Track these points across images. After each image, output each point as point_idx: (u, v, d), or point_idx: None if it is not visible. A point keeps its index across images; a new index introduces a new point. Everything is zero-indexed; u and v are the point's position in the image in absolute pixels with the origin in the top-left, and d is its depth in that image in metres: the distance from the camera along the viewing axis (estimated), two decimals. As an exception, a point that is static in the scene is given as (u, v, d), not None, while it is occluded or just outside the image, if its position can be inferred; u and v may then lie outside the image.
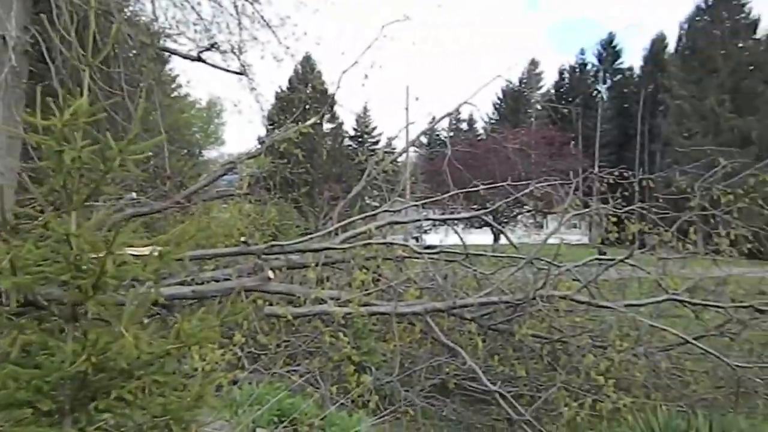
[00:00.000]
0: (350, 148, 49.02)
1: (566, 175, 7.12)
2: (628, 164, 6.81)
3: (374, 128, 52.47)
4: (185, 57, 9.33)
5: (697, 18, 44.79)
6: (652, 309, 6.26)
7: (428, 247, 7.94)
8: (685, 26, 46.33)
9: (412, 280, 6.56)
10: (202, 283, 6.26)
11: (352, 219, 7.11)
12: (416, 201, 8.19)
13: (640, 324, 5.40)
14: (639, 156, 46.91)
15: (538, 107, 60.83)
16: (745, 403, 5.26)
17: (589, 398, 4.65)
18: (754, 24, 43.44)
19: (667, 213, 6.09)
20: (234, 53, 9.44)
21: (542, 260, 5.95)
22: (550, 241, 6.80)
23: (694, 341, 5.37)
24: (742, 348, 5.73)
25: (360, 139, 51.73)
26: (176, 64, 15.55)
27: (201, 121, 37.35)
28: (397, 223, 7.11)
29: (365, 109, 51.05)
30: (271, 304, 6.08)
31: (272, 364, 5.30)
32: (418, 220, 7.20)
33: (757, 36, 43.66)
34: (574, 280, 5.96)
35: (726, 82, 40.68)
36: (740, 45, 41.88)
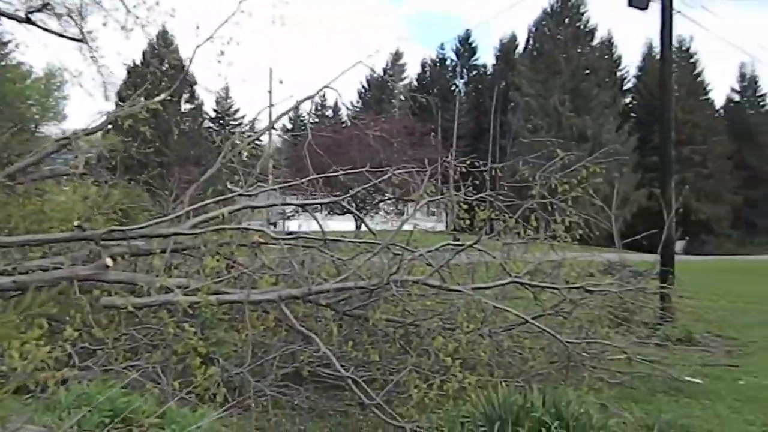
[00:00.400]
0: (210, 130, 46.97)
1: (425, 163, 7.28)
2: (482, 156, 7.17)
3: (237, 110, 50.68)
4: (11, 17, 8.25)
5: (543, 22, 48.49)
6: (497, 291, 6.65)
7: (290, 234, 7.76)
8: (533, 29, 49.95)
9: (268, 267, 6.38)
10: (27, 273, 5.59)
11: (204, 203, 6.73)
12: (276, 186, 7.96)
13: (486, 306, 5.69)
14: (492, 148, 49.89)
15: (402, 98, 62.58)
16: (573, 376, 5.76)
17: (437, 379, 4.79)
18: (592, 32, 48.02)
19: (513, 201, 6.45)
20: (72, 18, 8.52)
21: (397, 246, 6.04)
22: (408, 227, 6.96)
23: (532, 321, 5.76)
24: (573, 325, 6.28)
25: (221, 121, 49.73)
26: (7, 28, 13.77)
27: (38, 93, 33.46)
28: (253, 207, 6.86)
29: (227, 91, 49.05)
30: (110, 295, 5.58)
31: (109, 360, 4.86)
32: (275, 205, 7.00)
33: (594, 43, 48.35)
34: (427, 264, 6.12)
35: (567, 84, 44.65)
36: (579, 50, 46.11)
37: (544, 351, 6.06)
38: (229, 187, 9.32)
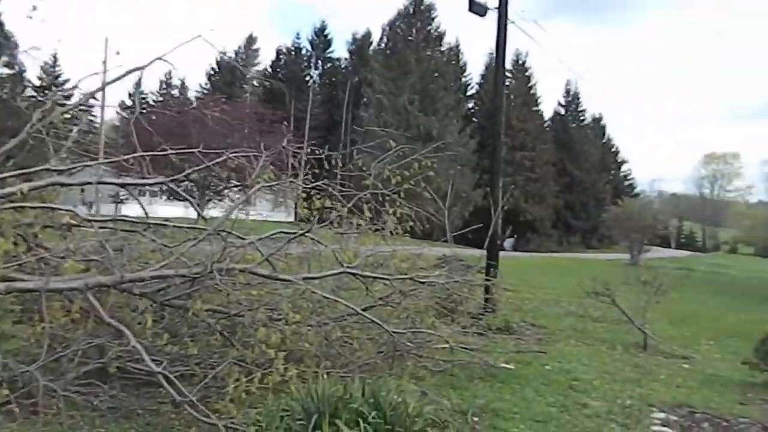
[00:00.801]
0: (33, 99, 41.89)
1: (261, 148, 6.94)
2: (334, 148, 7.00)
3: (66, 81, 45.69)
4: None
5: (397, 22, 49.88)
6: (333, 282, 6.59)
7: (109, 217, 7.04)
8: (387, 28, 51.16)
9: (79, 252, 5.73)
10: None
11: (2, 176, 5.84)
12: (105, 164, 7.17)
13: (316, 296, 5.59)
14: (343, 141, 50.46)
15: (255, 84, 60.86)
16: (399, 365, 5.88)
17: (259, 372, 4.58)
18: (441, 37, 50.37)
19: (349, 191, 6.40)
20: None
21: (226, 232, 5.73)
22: (245, 215, 6.62)
23: (362, 311, 5.77)
24: (401, 316, 6.41)
25: (47, 91, 44.55)
26: None
27: None
28: (62, 184, 6.07)
29: (55, 59, 44.13)
30: None
31: None
32: (88, 183, 6.25)
33: (443, 48, 50.78)
34: (260, 253, 5.87)
35: (417, 84, 46.38)
36: (429, 53, 48.15)
37: (372, 341, 6.11)
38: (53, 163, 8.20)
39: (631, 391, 6.18)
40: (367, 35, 57.55)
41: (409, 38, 47.98)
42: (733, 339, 10.64)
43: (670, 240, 67.49)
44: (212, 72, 56.60)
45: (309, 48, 59.25)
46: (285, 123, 35.60)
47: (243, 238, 5.83)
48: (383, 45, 52.02)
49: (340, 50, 61.51)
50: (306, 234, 5.86)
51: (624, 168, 68.06)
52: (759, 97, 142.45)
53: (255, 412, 4.41)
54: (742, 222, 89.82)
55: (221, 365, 4.77)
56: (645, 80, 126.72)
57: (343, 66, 59.09)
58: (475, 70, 63.65)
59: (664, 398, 6.05)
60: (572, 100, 62.40)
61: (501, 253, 11.53)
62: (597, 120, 64.89)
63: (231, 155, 6.68)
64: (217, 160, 6.71)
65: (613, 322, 10.47)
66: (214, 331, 5.32)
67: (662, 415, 5.45)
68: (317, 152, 6.82)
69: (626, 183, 66.72)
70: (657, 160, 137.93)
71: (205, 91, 53.81)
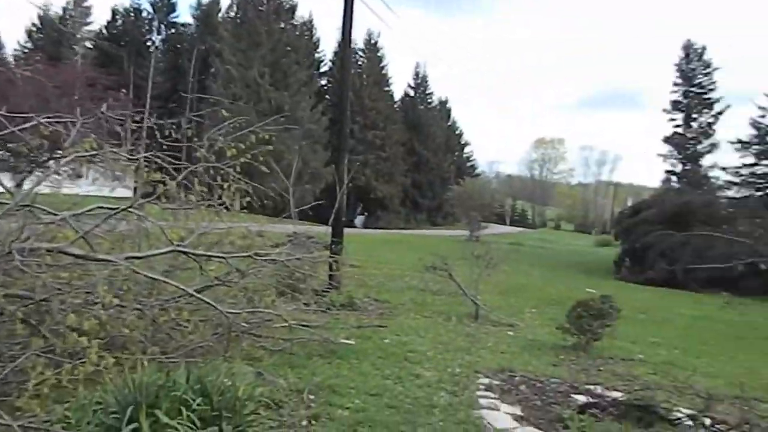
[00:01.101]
0: None
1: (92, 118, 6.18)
2: (178, 119, 6.35)
3: None
4: None
5: (248, -10, 47.77)
6: (167, 262, 6.14)
7: None
8: (238, -4, 48.84)
9: None
10: None
11: None
12: None
13: (143, 278, 5.16)
14: (189, 113, 47.66)
15: (87, 45, 55.23)
16: (235, 346, 5.65)
17: (69, 363, 4.11)
18: (293, 9, 49.29)
19: (182, 164, 5.96)
20: None
21: (35, 207, 5.06)
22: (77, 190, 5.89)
23: (194, 292, 5.43)
24: (238, 295, 6.16)
25: None
26: None
27: None
28: None
29: None
30: None
31: None
32: None
33: (295, 21, 49.80)
34: (77, 232, 5.27)
35: (268, 57, 45.04)
36: (282, 26, 46.93)
37: (207, 323, 5.80)
38: None
39: (461, 360, 6.55)
40: (215, 1, 54.57)
41: (260, 8, 46.31)
42: (552, 307, 11.77)
43: (505, 217, 73.36)
44: (34, 29, 50.28)
45: (150, 10, 54.82)
46: (123, 90, 32.66)
47: (55, 214, 5.21)
48: (233, 14, 49.70)
49: (185, 15, 57.63)
50: (130, 210, 5.36)
51: (467, 150, 72.40)
52: (581, 90, 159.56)
53: (64, 407, 3.97)
54: (564, 201, 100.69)
55: (23, 357, 4.22)
56: (489, 65, 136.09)
57: (188, 33, 55.58)
58: (328, 47, 63.25)
59: (490, 364, 6.49)
60: (421, 82, 64.64)
61: (352, 230, 11.65)
62: (443, 103, 68.09)
63: (43, 120, 5.90)
64: (24, 125, 5.90)
65: (450, 295, 11.06)
66: (16, 320, 4.68)
67: (486, 381, 5.82)
68: (149, 120, 6.27)
69: (468, 164, 71.02)
70: (496, 143, 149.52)
71: (25, 50, 47.68)
